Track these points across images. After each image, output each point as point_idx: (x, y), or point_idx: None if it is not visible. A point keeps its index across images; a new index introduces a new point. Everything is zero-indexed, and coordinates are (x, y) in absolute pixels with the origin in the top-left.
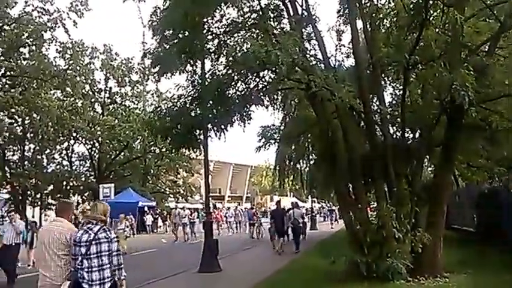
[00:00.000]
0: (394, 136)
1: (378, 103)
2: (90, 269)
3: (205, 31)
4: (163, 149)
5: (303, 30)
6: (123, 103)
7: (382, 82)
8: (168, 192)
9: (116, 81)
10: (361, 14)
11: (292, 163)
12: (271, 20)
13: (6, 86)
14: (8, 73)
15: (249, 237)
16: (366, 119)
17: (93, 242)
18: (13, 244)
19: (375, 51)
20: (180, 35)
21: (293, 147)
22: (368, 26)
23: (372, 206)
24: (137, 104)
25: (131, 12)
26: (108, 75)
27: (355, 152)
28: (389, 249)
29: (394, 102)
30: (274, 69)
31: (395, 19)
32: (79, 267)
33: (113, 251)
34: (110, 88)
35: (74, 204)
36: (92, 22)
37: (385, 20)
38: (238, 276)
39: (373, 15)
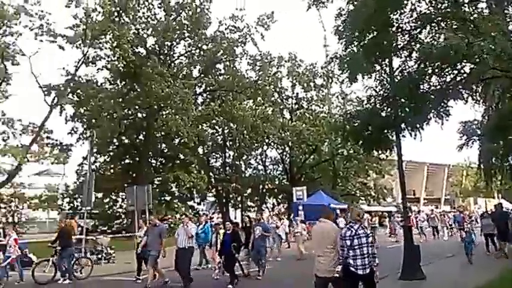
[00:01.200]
0: None
1: None
2: (355, 257)
3: (394, 28)
4: (351, 151)
5: (506, 11)
6: (310, 107)
7: None
8: (358, 195)
9: (301, 87)
10: None
11: (499, 161)
12: (467, 5)
13: (207, 100)
14: (208, 88)
15: (459, 243)
16: None
17: (355, 237)
18: (186, 247)
19: None
20: (368, 35)
21: (500, 142)
22: None
23: None
24: (323, 108)
25: (311, 17)
26: (294, 81)
27: None
28: None
29: None
30: (475, 60)
31: None
32: (346, 256)
33: (369, 243)
34: (297, 94)
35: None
36: (276, 31)
37: None
38: (445, 286)
39: None
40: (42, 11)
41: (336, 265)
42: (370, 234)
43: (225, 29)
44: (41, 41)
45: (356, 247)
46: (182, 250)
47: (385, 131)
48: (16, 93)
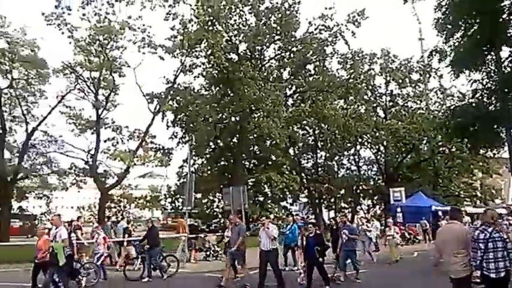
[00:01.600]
0: None
1: None
2: (487, 260)
3: (504, 15)
4: (454, 149)
5: None
6: (405, 104)
7: None
8: (462, 196)
9: (396, 83)
10: None
11: None
12: None
13: (298, 101)
14: (298, 90)
15: None
16: None
17: (489, 240)
18: (270, 250)
19: None
20: (474, 26)
21: None
22: None
23: None
24: (420, 104)
25: (404, 11)
26: (388, 78)
27: None
28: None
29: None
30: None
31: None
32: (479, 258)
33: (507, 249)
34: (391, 91)
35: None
36: (368, 27)
37: None
38: None
39: None
40: (143, 25)
41: (468, 265)
42: (508, 240)
43: (315, 29)
44: (144, 53)
45: (490, 250)
46: (266, 252)
47: (494, 126)
48: (123, 103)
